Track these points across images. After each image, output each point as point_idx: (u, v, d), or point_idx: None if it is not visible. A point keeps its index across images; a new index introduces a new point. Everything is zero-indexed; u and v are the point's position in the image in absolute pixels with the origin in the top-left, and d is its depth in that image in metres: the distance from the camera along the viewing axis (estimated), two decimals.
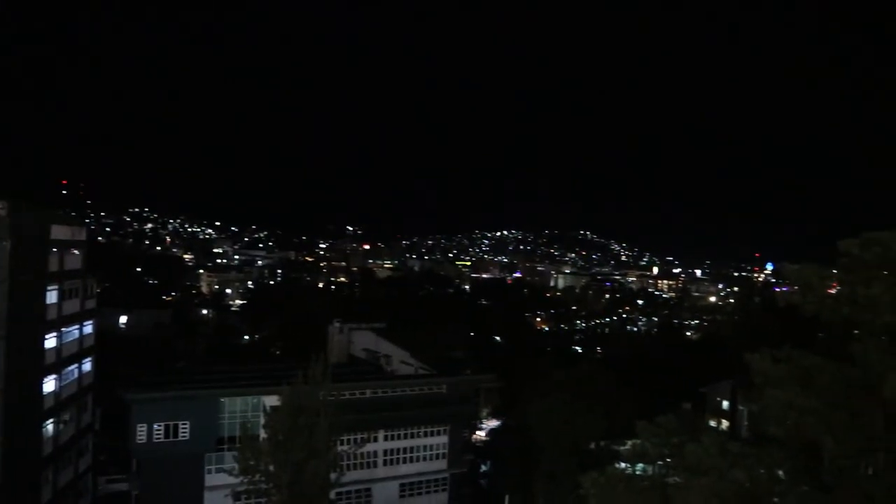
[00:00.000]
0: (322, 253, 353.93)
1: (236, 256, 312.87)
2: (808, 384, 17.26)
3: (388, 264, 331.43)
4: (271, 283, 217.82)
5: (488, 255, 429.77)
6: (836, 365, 17.54)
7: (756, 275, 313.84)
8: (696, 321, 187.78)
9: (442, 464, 56.16)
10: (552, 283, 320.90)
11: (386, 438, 53.92)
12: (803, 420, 16.71)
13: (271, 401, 42.67)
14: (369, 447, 51.31)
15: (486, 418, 76.49)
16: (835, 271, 18.49)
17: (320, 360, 38.36)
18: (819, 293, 18.13)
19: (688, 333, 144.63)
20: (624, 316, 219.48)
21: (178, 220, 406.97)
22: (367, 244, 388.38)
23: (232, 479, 38.49)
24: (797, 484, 19.15)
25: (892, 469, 17.29)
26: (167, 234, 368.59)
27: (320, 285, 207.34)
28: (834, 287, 18.42)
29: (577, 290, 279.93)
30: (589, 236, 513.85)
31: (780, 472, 19.63)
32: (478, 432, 72.50)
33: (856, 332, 18.04)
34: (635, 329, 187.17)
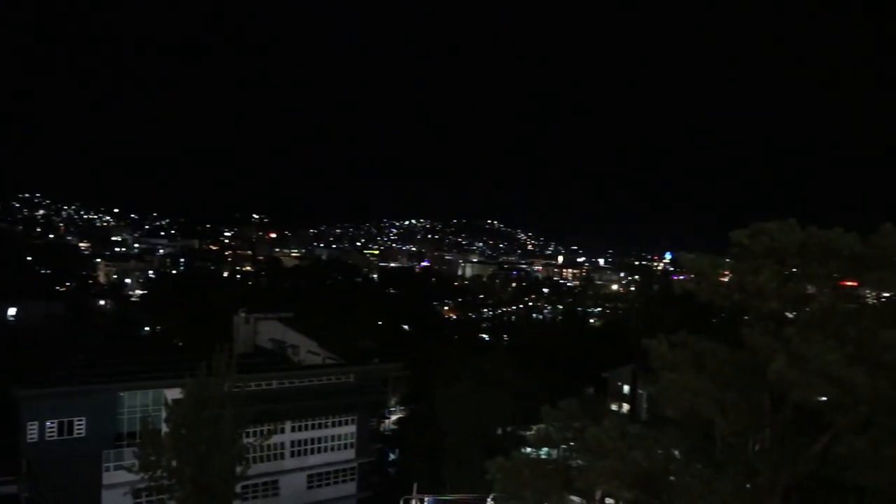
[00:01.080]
0: (227, 241, 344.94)
1: (136, 245, 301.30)
2: (702, 367, 18.14)
3: (295, 253, 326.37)
4: (174, 272, 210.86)
5: (396, 244, 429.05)
6: (727, 349, 18.48)
7: (656, 264, 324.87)
8: (599, 309, 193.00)
9: (350, 453, 56.00)
10: (460, 272, 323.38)
11: (293, 429, 53.30)
12: (697, 401, 17.53)
13: (174, 394, 41.45)
14: (276, 439, 50.54)
15: (395, 407, 76.70)
16: (727, 260, 19.44)
17: (225, 351, 37.57)
18: (712, 281, 19.02)
19: (591, 320, 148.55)
20: (530, 304, 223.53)
21: (73, 207, 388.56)
22: (273, 232, 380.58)
23: (132, 476, 37.21)
24: (692, 462, 20.08)
25: (776, 445, 18.37)
26: (61, 222, 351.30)
27: (225, 274, 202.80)
28: (726, 275, 19.35)
29: (484, 279, 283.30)
30: (496, 226, 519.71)
31: (677, 452, 20.54)
32: (386, 421, 72.64)
33: (746, 317, 18.98)
34: (541, 317, 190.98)
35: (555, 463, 21.46)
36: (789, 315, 17.93)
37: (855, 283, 19.31)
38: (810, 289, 18.28)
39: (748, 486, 18.48)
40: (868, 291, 19.97)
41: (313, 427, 54.30)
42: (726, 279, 19.16)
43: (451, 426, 52.55)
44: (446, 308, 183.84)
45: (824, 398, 16.56)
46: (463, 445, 51.52)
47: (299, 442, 53.65)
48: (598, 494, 23.13)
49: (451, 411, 52.47)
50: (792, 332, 16.21)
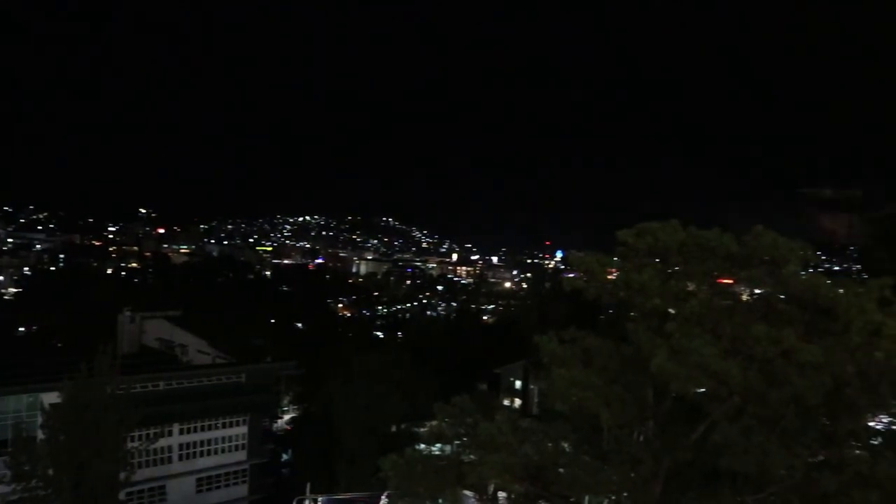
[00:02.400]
0: (111, 237, 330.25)
1: (10, 239, 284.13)
2: (589, 362, 18.80)
3: (184, 249, 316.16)
4: (52, 269, 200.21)
5: (290, 241, 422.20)
6: (613, 344, 19.21)
7: (547, 262, 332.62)
8: (493, 306, 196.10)
9: (242, 455, 54.83)
10: (354, 270, 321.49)
11: (181, 432, 51.69)
12: (585, 395, 18.14)
13: (51, 398, 39.43)
14: (163, 442, 48.90)
15: (288, 406, 75.60)
16: (614, 259, 20.20)
17: (108, 352, 36.05)
18: (599, 279, 19.72)
19: (485, 317, 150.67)
20: (424, 301, 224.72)
21: None
22: (161, 228, 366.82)
23: (3, 488, 35.12)
24: (580, 454, 20.76)
25: (658, 435, 19.26)
26: None
27: (109, 271, 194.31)
28: (613, 273, 20.11)
29: (379, 276, 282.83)
30: (392, 223, 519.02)
31: (566, 445, 21.18)
32: (279, 421, 71.49)
33: (631, 314, 19.77)
34: (435, 314, 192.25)
35: (447, 459, 21.70)
36: (671, 311, 18.78)
37: (730, 281, 20.48)
38: (690, 286, 19.24)
39: (632, 474, 19.28)
40: (741, 288, 21.23)
41: (203, 429, 52.83)
42: (613, 277, 19.91)
43: (345, 425, 52.27)
44: (340, 306, 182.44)
45: (702, 389, 17.50)
46: (357, 444, 51.35)
47: (188, 445, 52.08)
48: (490, 488, 23.57)
49: (345, 410, 52.18)
50: (673, 327, 17.03)
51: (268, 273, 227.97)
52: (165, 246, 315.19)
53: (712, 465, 17.94)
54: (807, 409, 16.80)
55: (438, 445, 24.23)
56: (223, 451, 53.90)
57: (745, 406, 16.93)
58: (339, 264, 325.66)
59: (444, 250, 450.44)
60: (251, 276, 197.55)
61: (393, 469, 20.94)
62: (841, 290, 17.22)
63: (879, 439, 21.03)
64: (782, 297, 18.28)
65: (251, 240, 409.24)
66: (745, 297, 20.92)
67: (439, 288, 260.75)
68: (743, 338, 16.45)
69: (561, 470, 20.24)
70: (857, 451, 18.15)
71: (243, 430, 54.88)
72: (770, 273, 18.24)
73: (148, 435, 43.47)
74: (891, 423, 23.03)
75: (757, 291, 20.50)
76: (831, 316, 16.78)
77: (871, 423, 21.60)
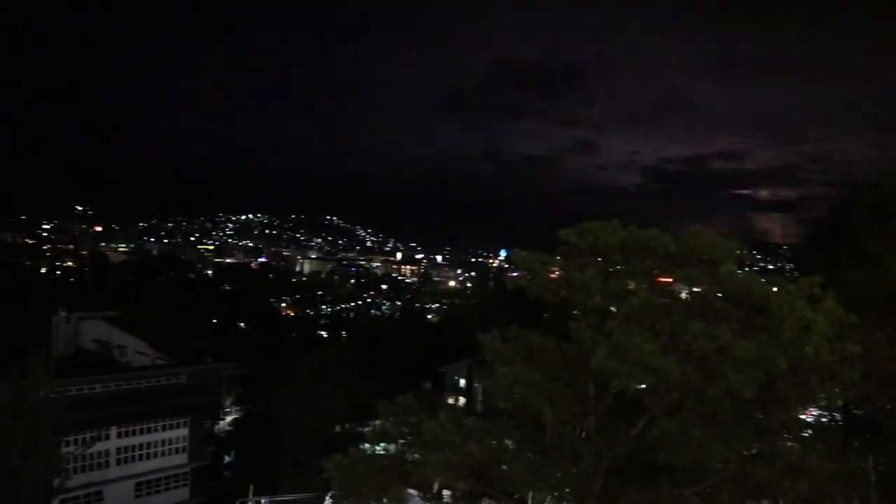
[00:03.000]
0: (46, 235, 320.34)
1: None
2: (532, 360, 19.02)
3: (123, 248, 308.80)
4: None
5: (233, 240, 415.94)
6: (556, 342, 19.48)
7: (491, 261, 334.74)
8: (437, 305, 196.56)
9: (182, 458, 53.79)
10: (298, 269, 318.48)
11: (119, 435, 50.40)
12: (527, 393, 18.35)
13: None
14: (100, 446, 47.71)
15: (231, 407, 74.53)
16: (557, 258, 20.47)
17: (41, 354, 35.00)
18: (542, 278, 19.96)
19: (429, 317, 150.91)
20: (368, 300, 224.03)
21: None
22: (98, 226, 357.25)
23: None
24: (523, 451, 20.98)
25: (599, 431, 19.60)
26: None
27: (43, 270, 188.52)
28: (555, 272, 20.37)
29: (323, 275, 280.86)
30: (335, 221, 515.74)
31: (509, 442, 21.38)
32: (221, 422, 70.35)
33: (574, 312, 20.07)
34: (379, 313, 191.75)
35: (392, 458, 21.68)
36: (612, 309, 19.11)
37: (669, 279, 20.95)
38: (631, 285, 19.61)
39: (574, 470, 19.58)
40: (680, 287, 21.74)
41: (142, 432, 51.65)
42: (555, 276, 20.17)
43: (289, 425, 51.71)
44: (284, 305, 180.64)
45: (642, 386, 17.86)
46: (301, 444, 50.85)
47: (126, 448, 50.83)
48: (434, 486, 23.64)
49: (288, 410, 51.61)
50: (613, 325, 17.32)
51: (209, 272, 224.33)
52: (103, 245, 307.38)
53: (651, 460, 18.36)
54: (742, 403, 17.30)
55: (383, 445, 24.21)
56: (163, 454, 52.79)
57: (683, 401, 17.36)
58: (282, 263, 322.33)
59: (388, 249, 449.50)
60: (192, 276, 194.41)
61: (337, 469, 20.83)
62: (774, 289, 17.78)
63: (810, 431, 21.83)
64: (719, 295, 18.78)
65: (192, 238, 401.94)
66: (683, 296, 21.44)
67: (384, 287, 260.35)
68: (681, 335, 16.84)
69: (504, 467, 20.42)
70: (789, 443, 18.78)
71: (184, 432, 53.85)
72: (707, 272, 18.71)
73: (84, 439, 42.35)
74: (820, 415, 23.92)
75: (695, 290, 21.02)
76: (765, 313, 17.29)
77: (802, 416, 22.39)
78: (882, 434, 22.87)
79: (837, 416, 26.10)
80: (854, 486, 17.35)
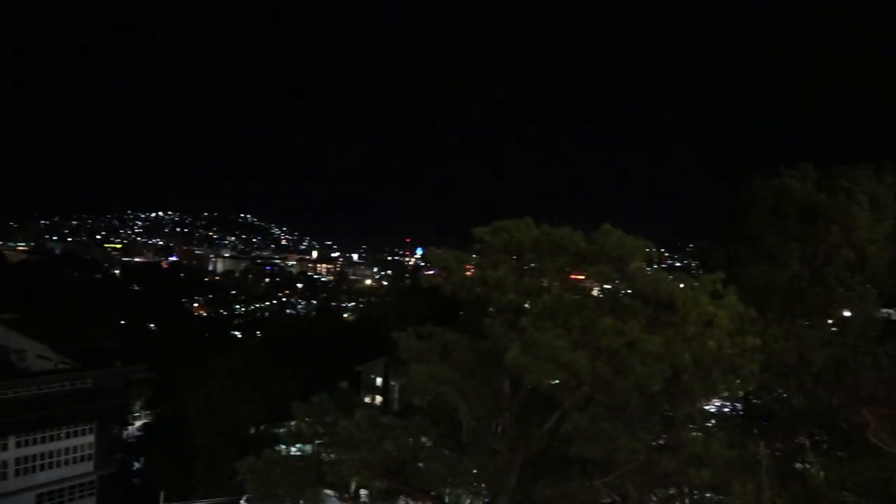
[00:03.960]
0: None
1: None
2: (447, 357, 19.17)
3: (22, 246, 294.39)
4: None
5: (142, 238, 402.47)
6: (471, 339, 19.68)
7: (407, 259, 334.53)
8: (353, 303, 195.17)
9: (88, 466, 51.74)
10: (211, 268, 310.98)
11: (18, 445, 48.04)
12: (443, 390, 18.49)
13: None
14: None
15: (140, 412, 72.25)
16: (473, 256, 20.69)
17: None
18: (457, 275, 20.14)
19: (345, 315, 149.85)
20: (284, 300, 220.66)
21: None
22: None
23: None
24: (439, 448, 21.14)
25: (514, 426, 19.93)
26: None
27: None
28: (470, 269, 20.59)
29: (236, 275, 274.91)
30: (250, 219, 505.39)
31: (426, 439, 21.49)
32: (130, 428, 68.07)
33: (490, 309, 20.32)
34: (295, 312, 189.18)
35: (307, 459, 21.50)
36: (526, 306, 19.45)
37: (581, 277, 21.47)
38: (544, 282, 20.01)
39: (489, 465, 19.84)
40: (591, 284, 22.30)
41: (43, 440, 49.37)
42: (470, 273, 20.38)
43: (202, 428, 50.53)
44: (196, 305, 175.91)
45: (554, 381, 18.25)
46: (214, 448, 49.76)
47: (26, 458, 48.47)
48: (351, 486, 23.55)
49: (201, 413, 50.43)
50: (526, 321, 17.65)
51: (117, 272, 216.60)
52: (0, 243, 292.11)
53: (564, 453, 18.79)
54: (649, 395, 17.91)
55: (298, 446, 23.96)
56: (67, 462, 50.63)
57: (594, 395, 17.84)
58: (194, 262, 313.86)
59: (303, 247, 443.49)
60: (98, 276, 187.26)
61: (251, 472, 20.51)
62: (680, 285, 18.46)
63: (713, 421, 22.76)
64: (629, 291, 19.38)
65: (99, 236, 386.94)
66: (594, 292, 22.00)
67: (299, 286, 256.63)
68: (592, 330, 17.28)
69: (420, 464, 20.52)
70: (694, 433, 19.54)
71: (90, 439, 51.81)
72: (617, 269, 19.27)
73: None
74: (722, 405, 24.95)
75: (606, 287, 21.60)
76: (671, 308, 17.94)
77: (705, 407, 23.32)
78: (779, 421, 24.06)
79: (738, 405, 27.27)
80: (752, 471, 18.17)
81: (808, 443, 23.17)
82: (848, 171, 25.92)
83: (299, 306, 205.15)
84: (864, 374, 20.30)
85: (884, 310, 25.94)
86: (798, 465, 22.57)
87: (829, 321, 24.70)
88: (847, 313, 24.74)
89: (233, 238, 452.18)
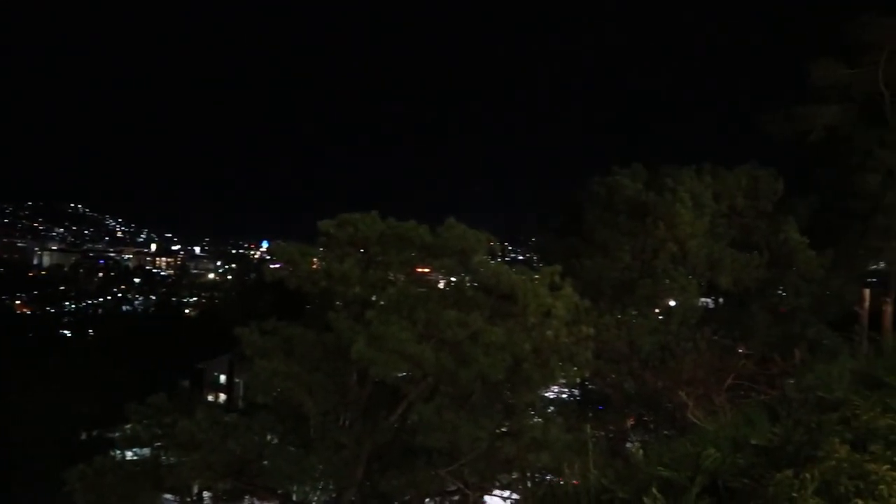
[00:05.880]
0: None
1: None
2: (292, 352, 18.92)
3: None
4: None
5: None
6: (315, 333, 19.51)
7: (253, 252, 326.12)
8: (196, 298, 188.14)
9: None
10: (36, 262, 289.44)
11: None
12: (287, 385, 18.26)
13: None
14: None
15: None
16: (320, 249, 20.53)
17: None
18: (302, 269, 19.92)
19: (187, 311, 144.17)
20: (120, 295, 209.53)
21: None
22: None
23: None
24: (284, 445, 20.85)
25: (360, 419, 19.97)
26: None
27: None
28: (316, 263, 20.41)
29: (66, 269, 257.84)
30: (81, 210, 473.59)
31: (272, 437, 21.12)
32: None
33: (337, 303, 20.24)
34: (131, 309, 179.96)
35: (143, 463, 20.58)
36: (372, 299, 19.53)
37: (427, 270, 21.83)
38: (390, 275, 20.18)
39: (336, 460, 19.78)
40: (437, 276, 22.75)
41: None
42: (315, 267, 20.21)
43: (26, 437, 47.02)
44: (19, 303, 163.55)
45: (400, 373, 18.47)
46: (40, 457, 46.42)
47: None
48: (194, 489, 22.75)
49: (24, 420, 46.93)
50: (372, 314, 17.75)
51: None
52: None
53: (410, 444, 19.07)
54: (492, 385, 18.51)
55: (135, 450, 22.88)
56: None
57: (438, 386, 18.24)
58: (16, 255, 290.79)
59: (141, 240, 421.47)
60: None
61: (80, 481, 19.39)
62: (522, 277, 19.18)
63: (552, 408, 23.82)
64: (475, 284, 19.91)
65: None
66: (440, 285, 22.43)
67: (136, 281, 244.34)
68: (436, 322, 17.62)
69: (266, 462, 20.17)
70: (534, 420, 20.38)
71: None
72: (460, 262, 19.75)
73: None
74: (560, 392, 26.17)
75: (451, 279, 22.09)
76: (512, 300, 18.62)
77: (546, 394, 24.37)
78: (611, 405, 25.53)
79: (576, 392, 28.68)
80: (586, 453, 19.17)
81: (634, 424, 24.76)
82: (674, 171, 27.88)
83: (136, 302, 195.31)
84: (685, 358, 21.92)
85: (702, 299, 28.21)
86: (628, 445, 24.10)
87: (657, 310, 26.50)
88: (672, 303, 26.65)
89: (62, 230, 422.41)
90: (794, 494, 4.97)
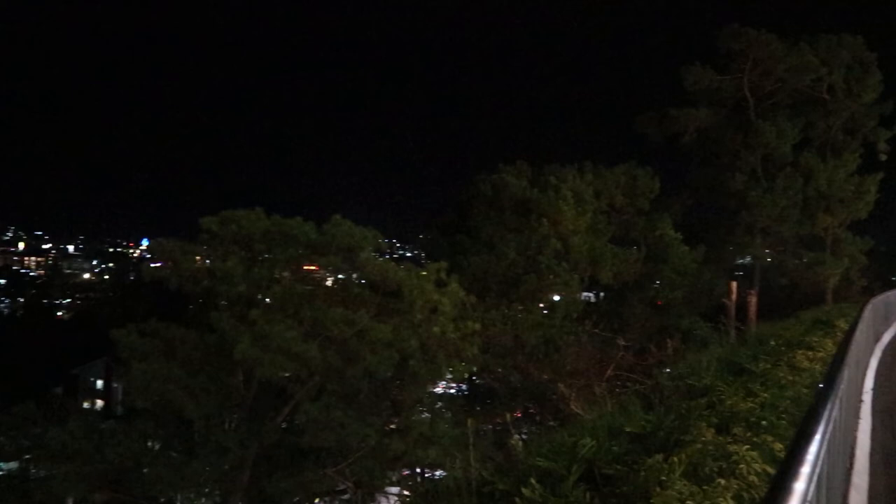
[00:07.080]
0: None
1: None
2: (172, 354, 18.24)
3: None
4: None
5: None
6: (198, 334, 18.89)
7: (131, 251, 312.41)
8: (70, 300, 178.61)
9: None
10: None
11: None
12: (167, 389, 17.57)
13: None
14: None
15: None
16: (203, 247, 19.87)
17: None
18: (184, 267, 19.24)
19: (59, 313, 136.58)
20: None
21: None
22: None
23: None
24: (166, 451, 20.05)
25: (245, 421, 19.49)
26: None
27: None
28: (199, 261, 19.76)
29: None
30: None
31: (151, 443, 20.26)
32: None
33: (222, 302, 19.66)
34: None
35: (9, 478, 19.36)
36: (258, 298, 19.11)
37: (314, 267, 21.54)
38: (276, 273, 19.78)
39: (220, 465, 19.21)
40: (325, 274, 22.48)
41: None
42: (198, 265, 19.57)
43: None
44: None
45: (286, 373, 18.16)
46: None
47: None
48: (69, 502, 21.58)
49: None
50: (257, 313, 17.36)
51: None
52: None
53: (298, 444, 18.77)
54: (380, 382, 18.51)
55: (0, 464, 21.50)
56: None
57: (326, 385, 18.05)
58: None
59: (7, 238, 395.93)
60: None
61: None
62: (409, 274, 19.23)
63: (440, 403, 24.05)
64: (362, 281, 19.81)
65: None
66: (328, 283, 22.20)
67: (2, 282, 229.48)
68: (322, 320, 17.44)
69: (145, 470, 19.35)
70: (423, 416, 20.52)
71: None
72: (347, 259, 19.60)
73: None
74: (448, 387, 26.46)
75: (339, 277, 21.89)
76: (399, 297, 18.65)
77: (434, 390, 24.56)
78: (499, 398, 26.03)
79: (464, 387, 29.07)
80: (474, 446, 19.44)
81: (521, 416, 25.34)
82: (557, 168, 28.71)
83: (2, 305, 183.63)
84: (568, 351, 22.64)
85: (584, 293, 29.19)
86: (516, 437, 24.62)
87: (541, 305, 27.22)
88: (556, 297, 27.44)
89: None
90: (664, 478, 5.25)
